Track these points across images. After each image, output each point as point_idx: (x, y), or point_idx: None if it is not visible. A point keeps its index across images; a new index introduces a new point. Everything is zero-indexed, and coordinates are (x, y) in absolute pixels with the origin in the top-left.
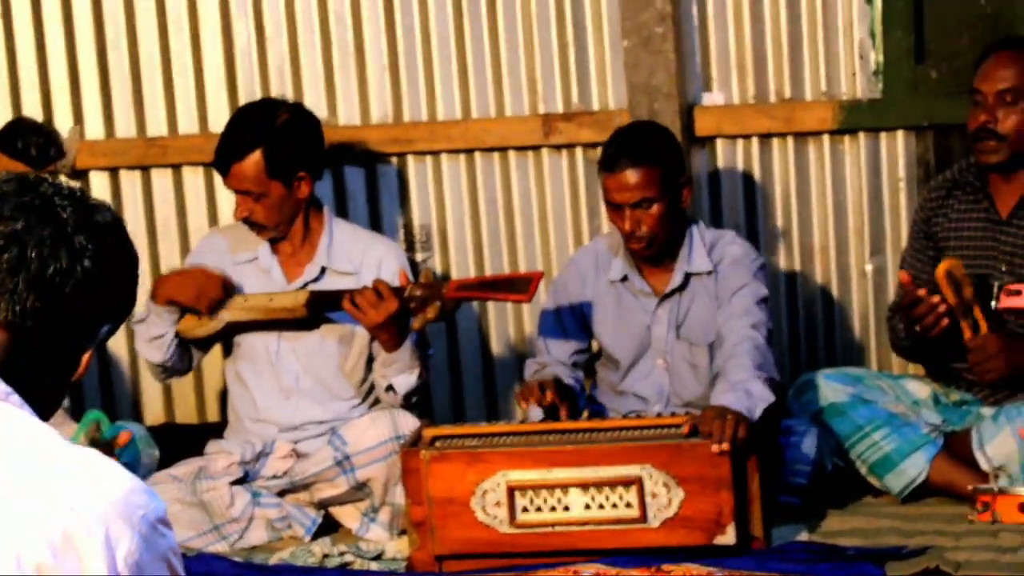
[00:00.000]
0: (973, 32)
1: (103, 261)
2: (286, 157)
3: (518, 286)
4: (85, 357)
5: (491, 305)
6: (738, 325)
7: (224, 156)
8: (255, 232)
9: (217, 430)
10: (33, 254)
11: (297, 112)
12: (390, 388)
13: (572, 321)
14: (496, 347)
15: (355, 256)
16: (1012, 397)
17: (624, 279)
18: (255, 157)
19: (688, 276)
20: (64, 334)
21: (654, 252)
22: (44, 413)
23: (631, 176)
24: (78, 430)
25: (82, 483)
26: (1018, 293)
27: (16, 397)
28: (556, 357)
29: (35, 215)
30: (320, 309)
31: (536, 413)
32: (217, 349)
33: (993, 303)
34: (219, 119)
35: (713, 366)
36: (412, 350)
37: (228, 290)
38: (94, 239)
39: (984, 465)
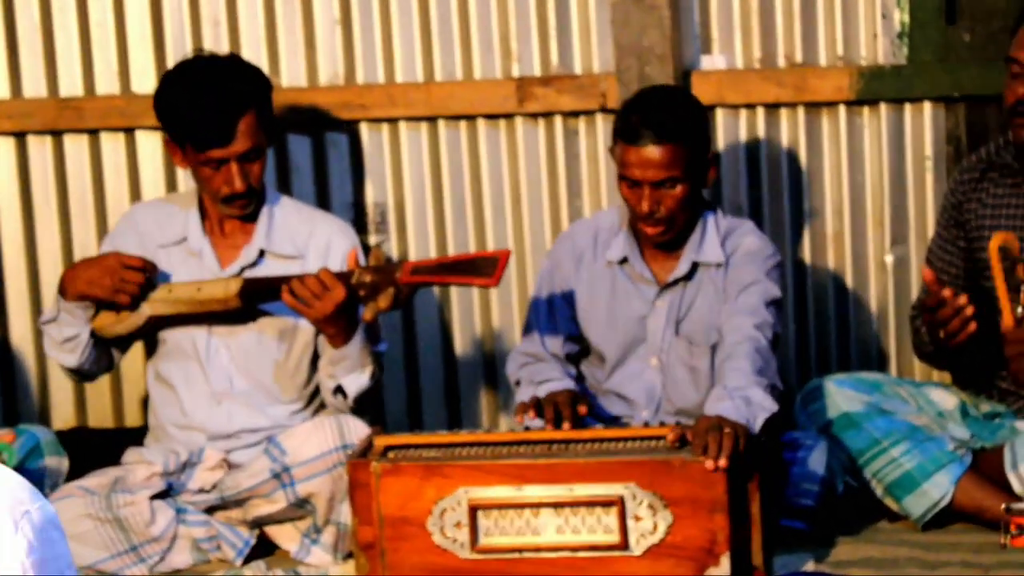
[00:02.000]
0: None
1: None
2: (271, 105)
3: (482, 268)
4: None
5: (454, 293)
6: (741, 324)
7: (226, 115)
8: (239, 209)
9: (136, 436)
10: None
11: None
12: (338, 390)
13: (565, 305)
14: (459, 343)
15: (299, 237)
16: None
17: (624, 261)
18: (252, 110)
19: (695, 266)
20: None
21: (670, 237)
22: None
23: (656, 152)
24: None
25: None
26: None
27: None
28: (548, 348)
29: None
30: (256, 299)
31: (537, 423)
32: (138, 345)
33: (1020, 310)
34: (143, 78)
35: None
36: (363, 345)
37: (151, 277)
38: None
39: (1018, 487)
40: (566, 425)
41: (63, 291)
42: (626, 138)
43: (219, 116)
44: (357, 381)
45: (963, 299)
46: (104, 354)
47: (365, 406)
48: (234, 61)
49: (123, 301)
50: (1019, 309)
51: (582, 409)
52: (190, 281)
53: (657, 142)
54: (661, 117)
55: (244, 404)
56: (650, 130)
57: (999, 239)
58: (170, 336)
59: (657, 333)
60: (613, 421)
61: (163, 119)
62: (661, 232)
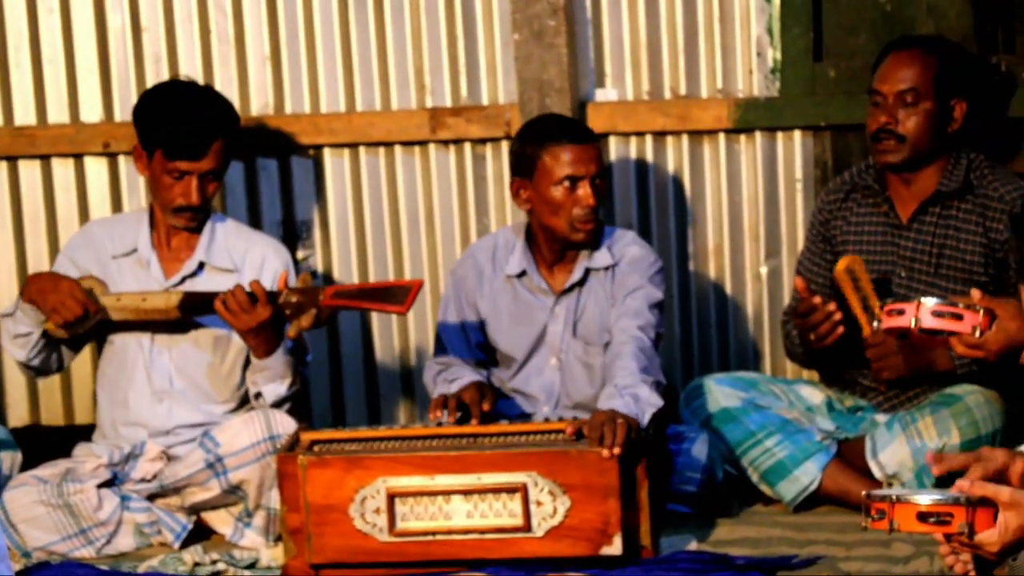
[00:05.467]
0: (872, 31)
1: None
2: (238, 138)
3: (396, 297)
4: None
5: None
6: (626, 325)
7: (203, 134)
8: (187, 220)
9: (86, 433)
10: None
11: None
12: (259, 395)
13: (472, 317)
14: (379, 347)
15: (236, 253)
16: (906, 404)
17: (522, 275)
18: (224, 136)
19: (588, 272)
20: None
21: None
22: None
23: (590, 148)
24: None
25: None
26: (900, 313)
27: None
28: (459, 355)
29: None
30: (193, 311)
31: (448, 419)
32: (88, 348)
33: (875, 323)
34: (91, 108)
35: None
36: (285, 359)
37: (90, 316)
38: None
39: (877, 473)
40: (474, 421)
41: (23, 291)
42: (567, 139)
43: (197, 132)
44: (275, 391)
45: (832, 305)
46: (54, 353)
47: (285, 409)
48: (215, 92)
49: (55, 320)
50: (875, 322)
51: (485, 406)
52: (137, 292)
53: (592, 139)
54: (576, 123)
55: (182, 402)
56: (582, 130)
57: (845, 262)
58: (117, 339)
59: (557, 335)
60: (518, 418)
61: (142, 123)
62: (593, 228)
